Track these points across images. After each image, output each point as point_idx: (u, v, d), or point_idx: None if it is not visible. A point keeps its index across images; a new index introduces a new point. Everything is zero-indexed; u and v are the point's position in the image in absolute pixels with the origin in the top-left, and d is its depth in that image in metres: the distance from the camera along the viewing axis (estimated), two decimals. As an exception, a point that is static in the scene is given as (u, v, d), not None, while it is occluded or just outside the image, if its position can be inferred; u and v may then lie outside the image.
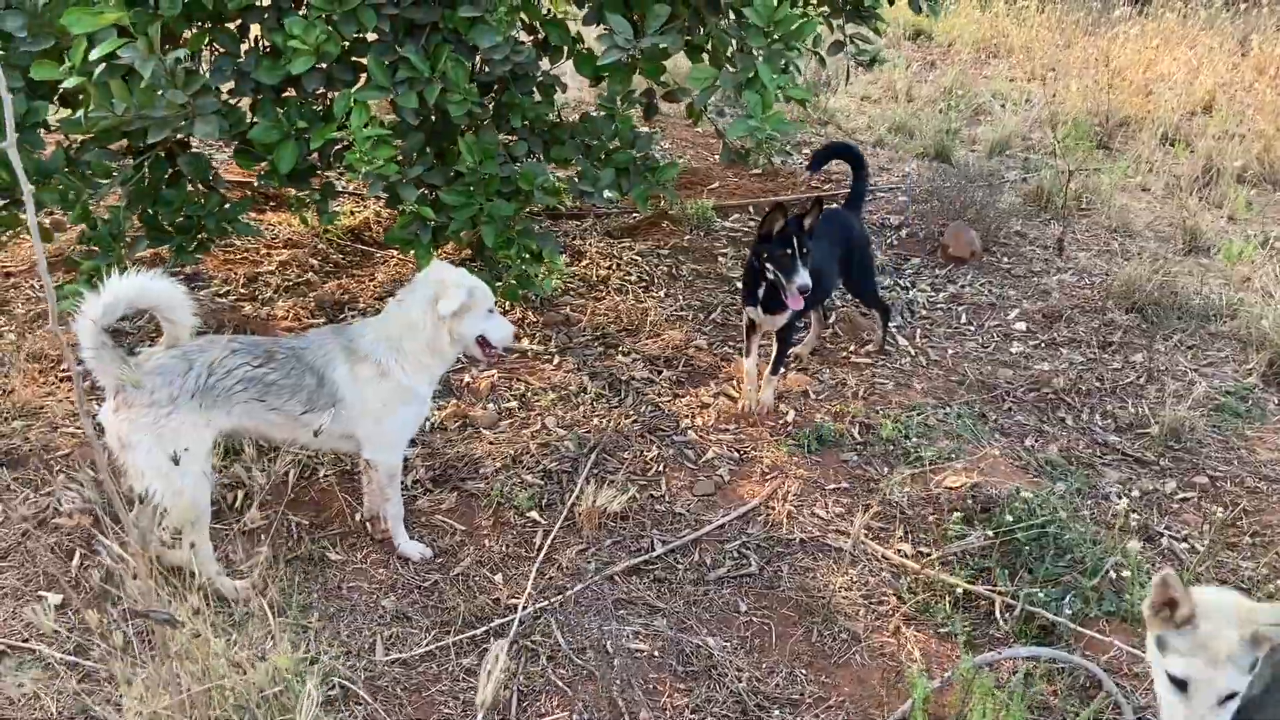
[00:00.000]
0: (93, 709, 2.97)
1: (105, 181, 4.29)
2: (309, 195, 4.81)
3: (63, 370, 4.63)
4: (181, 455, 3.25)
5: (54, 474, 4.00)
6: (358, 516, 3.90)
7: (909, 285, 6.21)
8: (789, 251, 4.36)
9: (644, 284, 5.93)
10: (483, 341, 3.62)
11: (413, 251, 4.69)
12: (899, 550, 3.93)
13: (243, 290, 5.54)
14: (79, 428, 4.24)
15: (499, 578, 3.71)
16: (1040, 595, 3.61)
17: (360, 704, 3.12)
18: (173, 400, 3.27)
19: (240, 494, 3.98)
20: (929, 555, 3.89)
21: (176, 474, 3.28)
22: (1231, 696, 2.33)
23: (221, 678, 2.32)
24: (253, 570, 3.58)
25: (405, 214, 4.53)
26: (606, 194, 4.79)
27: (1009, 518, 3.87)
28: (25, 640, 3.25)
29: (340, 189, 5.93)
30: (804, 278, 4.35)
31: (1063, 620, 3.53)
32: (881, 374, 5.20)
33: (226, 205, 4.69)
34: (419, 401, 3.58)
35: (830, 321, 5.66)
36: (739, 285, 5.94)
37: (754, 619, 3.61)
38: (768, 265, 4.44)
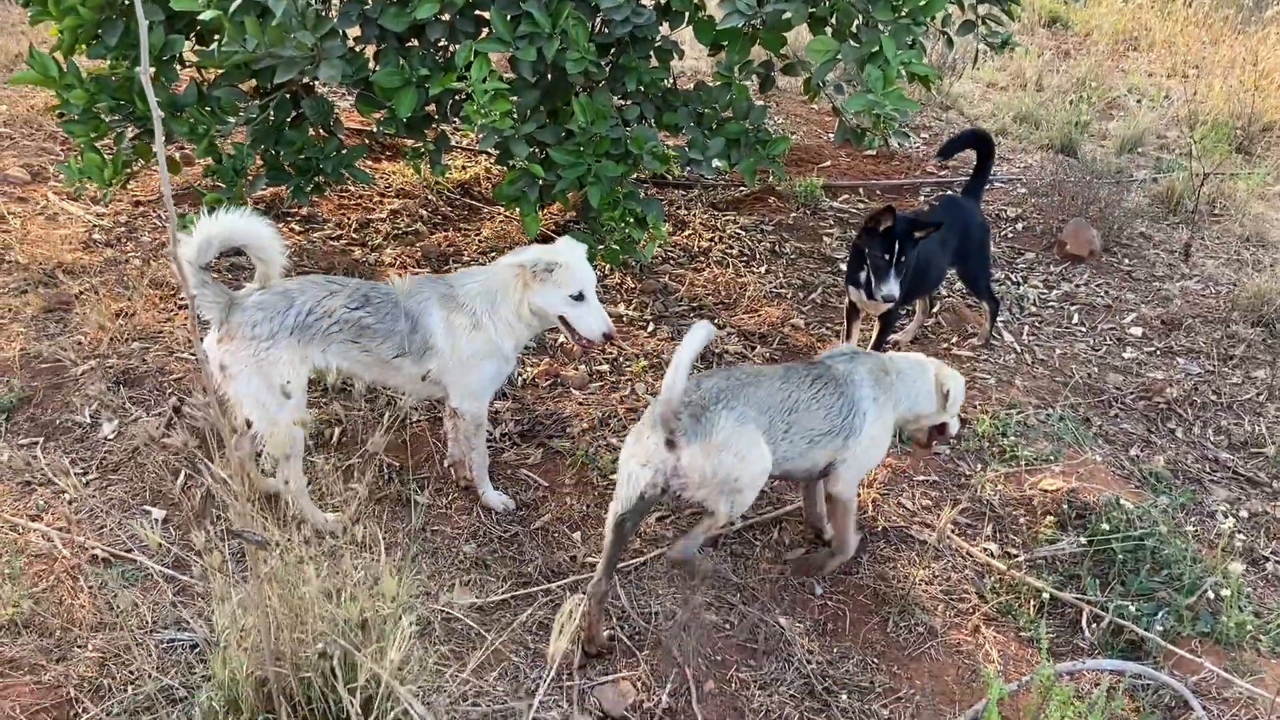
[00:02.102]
0: (186, 621, 3.12)
1: (232, 119, 4.43)
2: (423, 146, 4.89)
3: (181, 298, 4.82)
4: (284, 388, 3.39)
5: (166, 396, 4.19)
6: (444, 462, 3.98)
7: (1020, 280, 6.00)
8: (886, 257, 4.25)
9: (745, 258, 5.87)
10: (569, 326, 3.54)
11: (519, 209, 4.74)
12: (985, 549, 3.83)
13: (354, 235, 5.68)
14: (193, 353, 4.42)
15: (578, 536, 3.75)
16: (1131, 609, 3.48)
17: (436, 644, 3.19)
18: (272, 335, 3.38)
19: (338, 430, 4.10)
20: (1016, 557, 3.78)
21: (274, 405, 3.41)
22: None
23: (312, 603, 2.39)
24: (347, 505, 3.70)
25: (514, 170, 4.57)
26: (715, 164, 4.75)
27: (1105, 526, 3.73)
28: (128, 551, 3.41)
29: (454, 143, 6.03)
30: (891, 288, 4.25)
31: (1152, 636, 3.39)
32: (983, 369, 5.05)
33: (344, 150, 4.81)
34: (503, 360, 3.62)
35: (935, 311, 5.52)
36: (843, 266, 5.85)
37: (829, 603, 3.57)
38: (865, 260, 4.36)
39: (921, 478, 4.19)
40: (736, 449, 3.06)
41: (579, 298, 3.47)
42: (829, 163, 7.37)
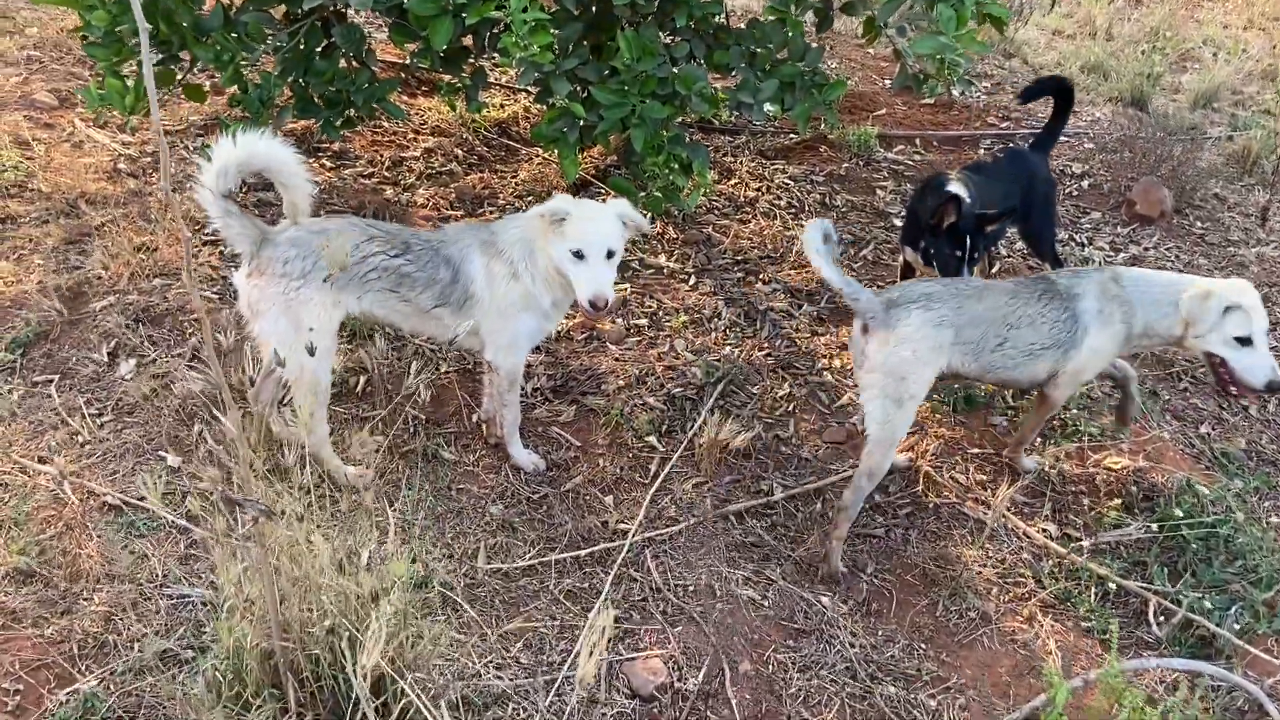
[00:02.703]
0: (198, 576, 2.97)
1: (260, 46, 4.20)
2: (459, 81, 4.63)
3: (206, 233, 4.62)
4: (308, 333, 3.20)
5: (187, 337, 4.02)
6: (474, 417, 3.79)
7: (1085, 241, 5.66)
8: (958, 254, 3.91)
9: (793, 210, 5.58)
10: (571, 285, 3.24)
11: (557, 150, 4.49)
12: (1043, 530, 3.59)
13: (386, 174, 5.45)
14: (216, 292, 4.24)
15: (610, 500, 3.55)
16: (1204, 602, 3.23)
17: (458, 610, 3.02)
18: (304, 275, 3.18)
19: (363, 379, 3.92)
20: (1078, 540, 3.54)
21: (300, 348, 3.22)
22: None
23: (320, 572, 2.22)
24: (369, 459, 3.53)
25: (554, 109, 4.31)
26: (766, 108, 4.45)
27: (1177, 512, 3.47)
28: (141, 498, 3.26)
29: (491, 80, 5.76)
30: None
31: (1225, 633, 3.15)
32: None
33: (376, 83, 4.56)
34: (542, 314, 3.39)
35: (993, 271, 5.21)
36: (897, 222, 5.54)
37: (875, 582, 3.36)
38: (930, 258, 4.04)
39: (977, 450, 3.94)
40: (915, 348, 3.17)
41: (579, 256, 3.18)
42: (884, 110, 7.00)
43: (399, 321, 3.42)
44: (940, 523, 3.59)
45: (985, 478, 3.80)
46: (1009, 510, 3.63)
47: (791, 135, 6.38)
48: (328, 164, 5.47)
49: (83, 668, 2.70)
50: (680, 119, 4.53)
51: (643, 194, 4.59)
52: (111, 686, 2.66)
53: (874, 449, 3.25)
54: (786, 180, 5.87)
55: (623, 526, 3.41)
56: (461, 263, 3.31)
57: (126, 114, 4.17)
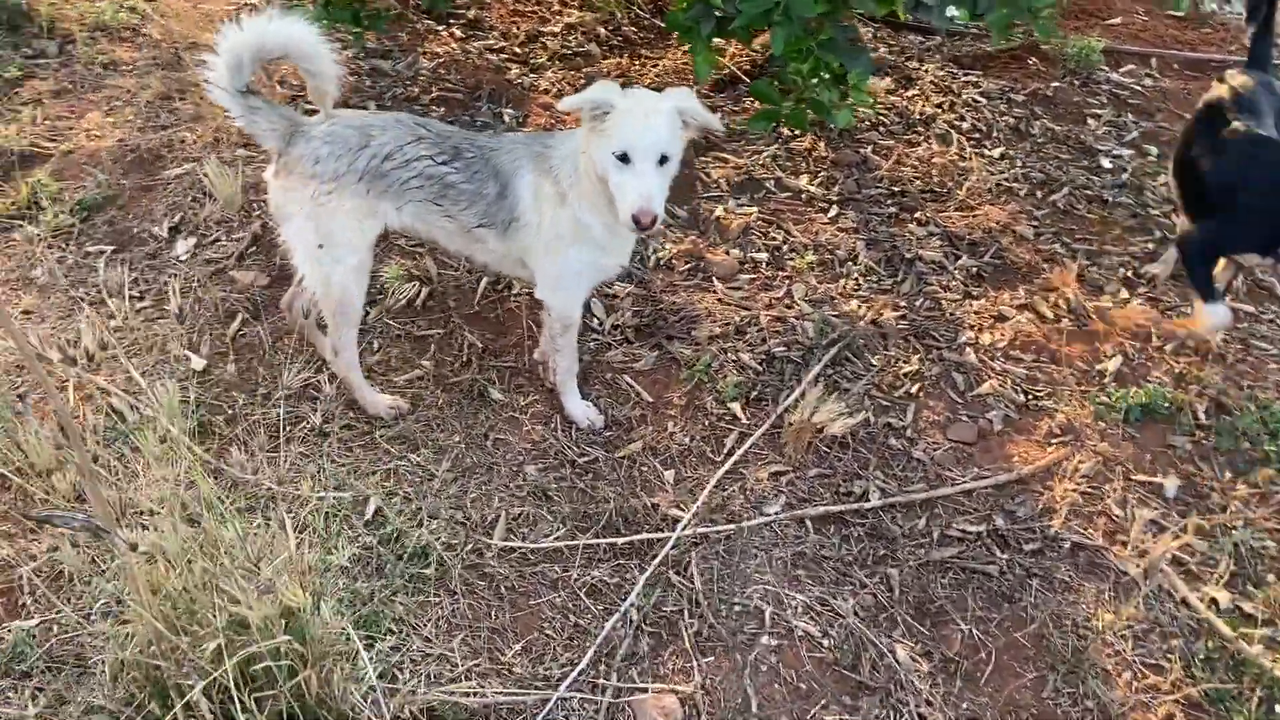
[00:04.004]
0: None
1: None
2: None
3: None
4: (336, 241, 2.77)
5: (252, 219, 3.67)
6: (531, 354, 3.29)
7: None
8: None
9: (976, 135, 4.66)
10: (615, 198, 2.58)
11: (688, 43, 3.79)
12: (1211, 600, 2.80)
13: (516, 50, 4.89)
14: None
15: (669, 475, 3.01)
16: None
17: (453, 594, 2.59)
18: (337, 177, 2.73)
19: (425, 291, 3.48)
20: (1253, 621, 2.74)
21: (327, 259, 2.80)
22: None
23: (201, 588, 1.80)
24: (405, 392, 3.13)
25: (687, -7, 3.60)
26: (950, 12, 3.58)
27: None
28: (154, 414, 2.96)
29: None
30: None
31: None
32: (1266, 333, 3.78)
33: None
34: (594, 247, 2.79)
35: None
36: (1105, 163, 4.55)
37: (973, 633, 2.70)
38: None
39: (1144, 478, 3.13)
40: None
41: (624, 159, 2.52)
42: (1119, 19, 5.80)
43: (442, 240, 2.93)
44: (1075, 570, 2.86)
45: (1148, 516, 3.00)
46: (1169, 565, 2.85)
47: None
48: (458, 33, 4.97)
49: (20, 608, 2.44)
50: (843, 15, 3.73)
51: (788, 104, 3.86)
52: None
53: None
54: (976, 96, 4.93)
55: (674, 513, 2.87)
56: (511, 177, 2.76)
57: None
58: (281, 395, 3.04)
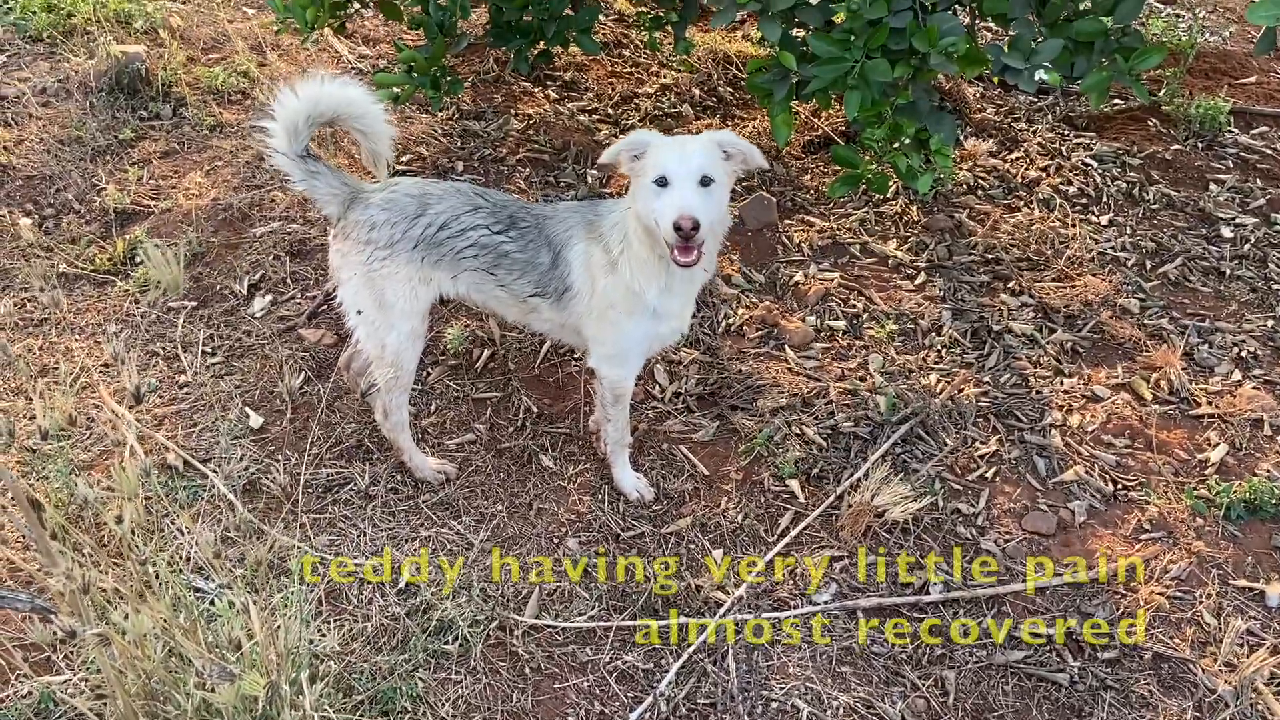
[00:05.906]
0: (202, 591, 2.68)
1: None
2: (665, 13, 3.94)
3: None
4: (390, 307, 2.78)
5: (327, 277, 3.75)
6: (589, 421, 3.22)
7: None
8: None
9: (1084, 201, 4.41)
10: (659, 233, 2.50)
11: (767, 106, 3.71)
12: (1318, 731, 2.48)
13: (609, 111, 4.91)
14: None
15: (717, 554, 2.87)
16: None
17: (474, 673, 2.51)
18: (392, 245, 2.75)
19: (486, 354, 3.47)
20: (1370, 761, 2.40)
21: (382, 323, 2.81)
22: None
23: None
24: (455, 456, 3.10)
25: (760, 58, 3.52)
26: (1039, 75, 3.39)
27: None
28: (206, 459, 3.02)
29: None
30: None
31: None
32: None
33: (574, 12, 3.98)
34: (649, 316, 2.71)
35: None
36: (1226, 231, 4.22)
37: (1035, 750, 2.45)
38: None
39: (1243, 582, 2.82)
40: None
41: (662, 184, 2.46)
42: (1252, 79, 5.44)
43: (498, 309, 2.91)
44: (1155, 683, 2.57)
45: (1245, 629, 2.69)
46: (1269, 688, 2.54)
47: (1116, 101, 5.09)
48: (552, 94, 5.02)
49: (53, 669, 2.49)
50: (923, 80, 3.58)
51: (871, 167, 3.72)
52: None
53: None
54: (1087, 159, 4.67)
55: (718, 595, 2.73)
56: (563, 246, 2.72)
57: (307, 29, 3.89)
58: (332, 455, 3.06)
